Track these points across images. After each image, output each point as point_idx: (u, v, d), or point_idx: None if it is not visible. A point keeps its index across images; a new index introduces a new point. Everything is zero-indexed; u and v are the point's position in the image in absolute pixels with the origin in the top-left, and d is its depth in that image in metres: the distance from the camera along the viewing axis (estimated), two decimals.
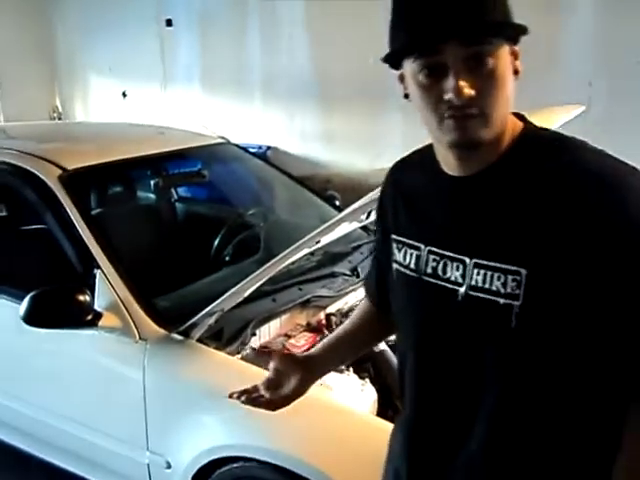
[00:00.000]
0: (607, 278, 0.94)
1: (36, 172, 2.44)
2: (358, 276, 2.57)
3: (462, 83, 0.93)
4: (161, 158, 3.06)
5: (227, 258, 2.74)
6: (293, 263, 2.18)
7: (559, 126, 1.96)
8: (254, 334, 2.14)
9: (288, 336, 2.19)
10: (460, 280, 1.05)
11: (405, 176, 1.22)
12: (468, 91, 0.93)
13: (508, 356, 1.02)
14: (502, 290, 0.99)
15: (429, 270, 1.10)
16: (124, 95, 7.00)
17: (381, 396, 1.99)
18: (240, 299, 2.02)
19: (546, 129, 1.07)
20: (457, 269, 1.05)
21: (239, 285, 1.99)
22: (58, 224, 2.33)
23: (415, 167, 1.19)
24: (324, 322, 2.28)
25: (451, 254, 1.07)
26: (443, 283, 1.08)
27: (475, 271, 1.03)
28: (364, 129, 5.38)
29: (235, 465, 1.90)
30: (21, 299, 2.06)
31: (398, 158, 1.27)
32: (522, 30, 0.96)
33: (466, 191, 1.06)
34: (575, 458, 1.03)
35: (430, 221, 1.12)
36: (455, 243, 1.07)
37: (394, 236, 1.19)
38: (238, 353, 2.04)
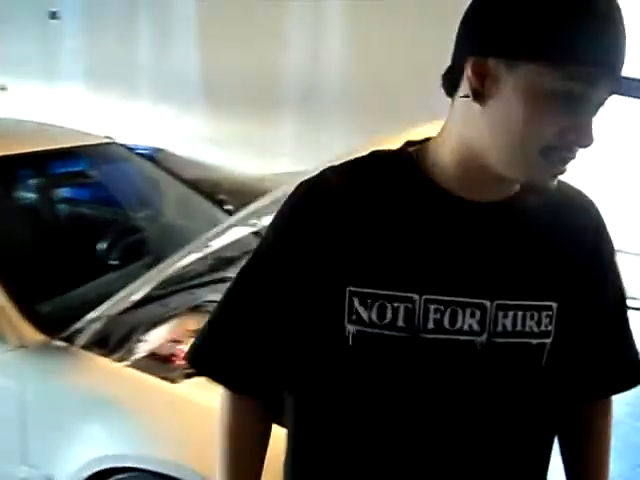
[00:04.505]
0: (598, 300, 0.99)
1: None
2: None
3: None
4: (44, 156, 2.93)
5: (114, 262, 2.67)
6: (183, 267, 2.15)
7: None
8: (142, 340, 2.09)
9: (178, 342, 2.15)
10: (477, 328, 0.89)
11: (351, 203, 0.91)
12: (594, 139, 0.81)
13: (535, 395, 0.96)
14: (536, 329, 0.91)
15: (430, 325, 0.88)
16: (3, 89, 6.64)
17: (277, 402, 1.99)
18: (127, 304, 1.98)
19: None
20: (472, 316, 0.89)
21: (126, 289, 1.94)
22: None
23: (370, 190, 0.92)
24: None
25: (463, 299, 0.89)
26: (454, 336, 0.89)
27: (500, 314, 0.90)
28: (255, 133, 5.38)
29: (120, 476, 1.84)
30: None
31: (311, 179, 0.96)
32: None
33: (489, 219, 0.91)
34: (532, 459, 1.02)
35: (425, 260, 0.89)
36: (469, 285, 0.89)
37: (353, 288, 0.89)
38: (126, 360, 1.98)
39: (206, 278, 2.47)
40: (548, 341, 0.92)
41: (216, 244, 2.23)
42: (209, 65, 5.44)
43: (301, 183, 0.95)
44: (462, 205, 0.89)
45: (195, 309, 2.30)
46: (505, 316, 0.90)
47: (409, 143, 0.96)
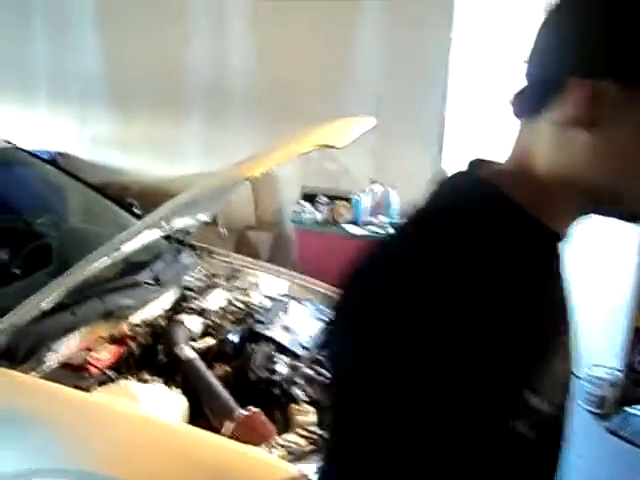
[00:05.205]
0: None
1: None
2: (160, 285, 2.54)
3: None
4: None
5: (16, 270, 2.57)
6: (93, 273, 2.10)
7: (355, 138, 2.08)
8: (52, 350, 2.03)
9: (90, 350, 2.10)
10: None
11: (494, 273, 0.73)
12: None
13: None
14: None
15: None
16: None
17: (192, 404, 1.98)
18: (34, 314, 1.91)
19: None
20: None
21: (32, 298, 1.89)
22: None
23: (498, 253, 0.74)
24: (128, 333, 2.22)
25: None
26: None
27: None
28: (163, 136, 5.28)
29: None
30: None
31: (433, 252, 0.72)
32: None
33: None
34: None
35: (548, 321, 0.80)
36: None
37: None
38: (35, 371, 1.92)
39: (117, 283, 2.42)
40: None
41: (126, 248, 2.19)
42: (114, 67, 5.31)
43: (426, 259, 0.73)
44: (555, 238, 0.80)
45: (107, 316, 2.25)
46: None
47: (474, 167, 0.83)
